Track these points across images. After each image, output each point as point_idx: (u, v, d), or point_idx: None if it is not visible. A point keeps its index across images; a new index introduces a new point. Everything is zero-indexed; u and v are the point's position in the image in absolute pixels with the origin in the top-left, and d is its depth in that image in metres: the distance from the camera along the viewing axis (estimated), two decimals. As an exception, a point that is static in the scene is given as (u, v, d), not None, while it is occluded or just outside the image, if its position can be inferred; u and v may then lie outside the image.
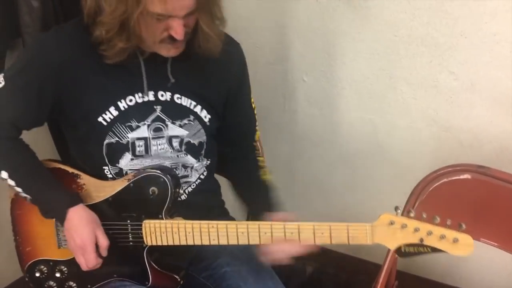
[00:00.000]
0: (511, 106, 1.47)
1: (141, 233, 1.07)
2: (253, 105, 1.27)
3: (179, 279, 1.12)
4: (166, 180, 1.05)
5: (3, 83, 1.06)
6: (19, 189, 1.07)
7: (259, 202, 1.18)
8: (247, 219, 1.21)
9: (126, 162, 1.11)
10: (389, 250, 1.30)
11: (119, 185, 1.08)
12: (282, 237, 1.00)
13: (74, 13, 1.35)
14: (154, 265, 1.10)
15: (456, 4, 1.40)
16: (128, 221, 1.07)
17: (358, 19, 1.56)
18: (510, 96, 1.46)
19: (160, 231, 1.05)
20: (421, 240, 0.91)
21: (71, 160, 1.21)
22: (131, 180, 1.07)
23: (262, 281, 1.14)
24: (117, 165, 1.11)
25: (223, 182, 1.37)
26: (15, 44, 1.48)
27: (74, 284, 1.14)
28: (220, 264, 1.18)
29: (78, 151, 1.17)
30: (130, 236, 1.08)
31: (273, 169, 1.87)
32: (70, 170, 1.13)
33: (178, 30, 0.97)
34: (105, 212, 1.09)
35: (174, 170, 1.14)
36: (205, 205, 1.23)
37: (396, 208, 0.93)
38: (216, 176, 1.33)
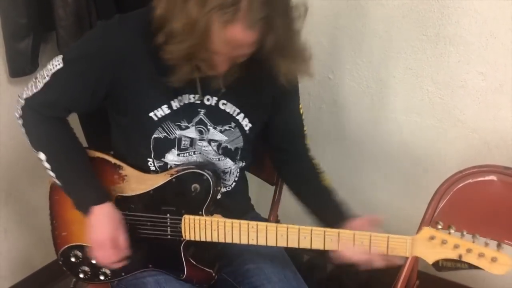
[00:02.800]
0: (540, 108, 1.45)
1: (180, 227, 1.08)
2: (301, 111, 1.25)
3: (213, 274, 1.14)
4: (209, 177, 1.06)
5: (62, 65, 1.03)
6: (52, 174, 1.09)
7: (329, 212, 1.14)
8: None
9: (172, 157, 1.12)
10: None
11: (162, 179, 1.09)
12: (321, 242, 1.00)
13: (106, 7, 1.40)
14: (190, 259, 1.11)
15: (486, 3, 1.38)
16: (168, 214, 1.09)
17: (386, 18, 1.55)
18: (539, 98, 1.44)
19: (200, 227, 1.06)
20: (460, 256, 0.93)
21: (112, 149, 1.21)
22: (174, 176, 1.08)
23: (285, 280, 1.14)
24: (162, 159, 1.12)
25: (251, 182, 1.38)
26: (49, 37, 1.53)
27: (109, 271, 1.16)
28: (243, 261, 1.18)
29: (123, 139, 1.17)
30: (169, 230, 1.10)
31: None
32: (113, 160, 1.14)
33: (242, 53, 0.95)
34: (146, 204, 1.10)
35: (217, 166, 1.15)
36: (236, 207, 1.23)
37: (437, 223, 0.95)
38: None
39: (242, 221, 1.04)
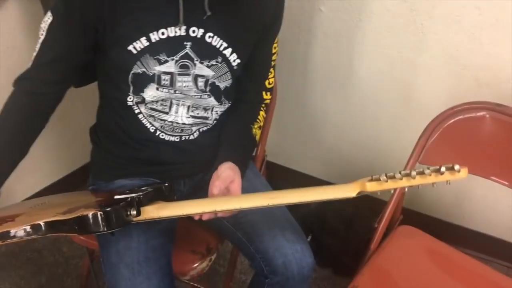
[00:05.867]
0: (535, 45, 1.43)
1: None
2: (275, 50, 1.20)
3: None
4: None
5: (51, 18, 1.03)
6: None
7: (234, 152, 1.15)
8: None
9: (151, 92, 1.09)
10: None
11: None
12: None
13: None
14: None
15: None
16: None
17: None
18: (535, 35, 1.41)
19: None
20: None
21: (99, 88, 1.19)
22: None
23: (269, 209, 1.12)
24: (141, 94, 1.10)
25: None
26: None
27: None
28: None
29: (105, 79, 1.15)
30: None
31: (285, 100, 1.87)
32: None
33: None
34: None
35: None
36: (214, 146, 1.21)
37: (372, 177, 0.89)
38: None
39: (174, 203, 1.00)
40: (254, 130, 1.21)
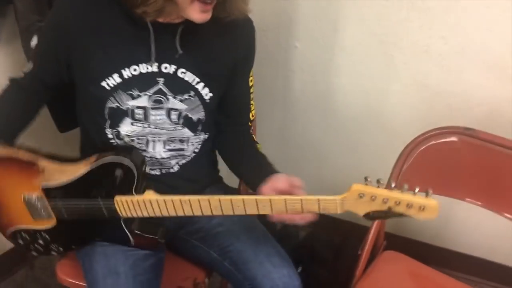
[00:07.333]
0: (501, 69, 1.49)
1: (114, 208, 1.07)
2: (251, 83, 1.26)
3: (158, 239, 1.13)
4: (130, 164, 1.05)
5: (36, 40, 1.18)
6: None
7: (260, 174, 1.15)
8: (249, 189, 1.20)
9: (126, 127, 1.13)
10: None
11: (82, 168, 1.07)
12: (255, 209, 1.00)
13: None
14: (134, 229, 1.11)
15: (446, -34, 1.40)
16: (99, 197, 1.07)
17: (349, -16, 1.56)
18: (499, 59, 1.48)
19: (133, 206, 1.06)
20: (389, 208, 0.92)
21: (79, 123, 1.24)
22: (93, 165, 1.06)
23: (254, 237, 1.17)
24: (117, 128, 1.13)
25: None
26: (6, 10, 1.49)
27: (59, 247, 1.17)
28: (212, 226, 1.21)
29: (84, 111, 1.20)
30: (104, 211, 1.08)
31: (266, 135, 1.92)
32: (26, 158, 1.09)
33: None
34: (73, 191, 1.08)
35: (136, 148, 1.14)
36: (198, 180, 1.25)
37: (366, 178, 0.92)
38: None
39: (174, 197, 1.02)
40: (260, 148, 1.27)
